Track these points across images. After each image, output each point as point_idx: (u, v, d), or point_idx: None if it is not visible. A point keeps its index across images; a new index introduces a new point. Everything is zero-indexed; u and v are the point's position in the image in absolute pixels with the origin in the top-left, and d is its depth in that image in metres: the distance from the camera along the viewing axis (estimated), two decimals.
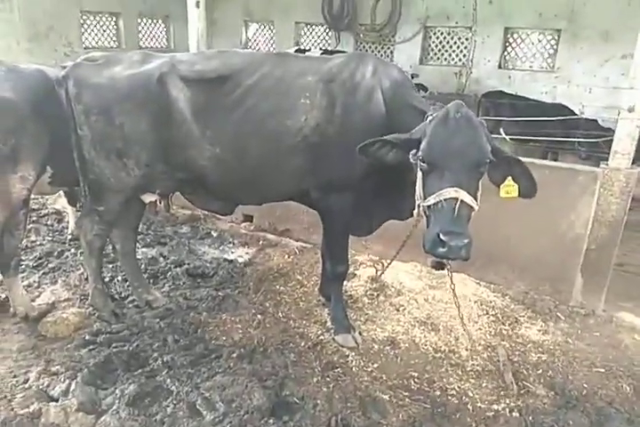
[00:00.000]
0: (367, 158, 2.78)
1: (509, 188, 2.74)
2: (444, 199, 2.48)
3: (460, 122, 2.53)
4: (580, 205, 3.95)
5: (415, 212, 2.81)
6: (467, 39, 9.36)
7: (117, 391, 2.90)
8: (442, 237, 2.44)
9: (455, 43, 9.61)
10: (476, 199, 2.56)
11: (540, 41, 8.91)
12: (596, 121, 7.40)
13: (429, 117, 2.65)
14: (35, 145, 3.32)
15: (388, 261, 4.29)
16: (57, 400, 2.83)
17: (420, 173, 2.66)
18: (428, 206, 2.58)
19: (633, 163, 3.84)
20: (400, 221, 3.47)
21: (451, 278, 3.35)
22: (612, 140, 3.97)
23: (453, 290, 3.39)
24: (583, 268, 3.99)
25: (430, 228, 2.58)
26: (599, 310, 3.97)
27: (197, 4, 5.90)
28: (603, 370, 3.29)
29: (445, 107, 2.61)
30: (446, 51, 9.75)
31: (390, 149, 2.75)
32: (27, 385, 2.94)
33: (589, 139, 6.25)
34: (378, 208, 3.37)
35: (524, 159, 4.19)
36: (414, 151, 2.67)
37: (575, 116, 6.94)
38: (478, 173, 2.57)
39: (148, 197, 3.61)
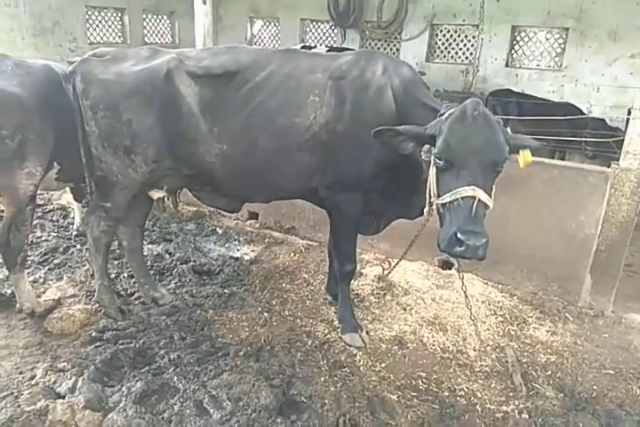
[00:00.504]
0: (382, 144, 2.75)
1: (526, 156, 2.69)
2: (461, 198, 2.45)
3: (477, 120, 2.50)
4: (589, 205, 3.92)
5: (426, 210, 2.79)
6: (473, 37, 9.31)
7: (124, 389, 2.89)
8: (459, 236, 2.41)
9: (462, 41, 9.56)
10: (490, 197, 2.53)
11: (547, 39, 8.86)
12: (603, 120, 7.36)
13: (445, 114, 2.61)
14: (42, 141, 3.31)
15: (396, 259, 4.28)
16: (64, 397, 2.81)
17: (433, 170, 2.63)
18: (443, 204, 2.55)
19: None
20: (406, 220, 3.45)
21: (462, 279, 3.32)
22: (621, 140, 3.94)
23: (465, 291, 3.37)
24: (592, 268, 3.96)
25: (446, 226, 2.54)
26: (608, 310, 3.94)
27: (204, 1, 5.88)
28: (612, 372, 3.27)
29: (462, 104, 2.58)
30: (453, 49, 9.70)
31: (402, 140, 2.72)
32: (33, 382, 2.93)
33: (596, 138, 6.21)
34: (387, 207, 3.34)
35: (533, 158, 4.18)
36: (426, 147, 2.65)
37: (583, 116, 6.90)
38: (495, 171, 2.55)
39: (156, 194, 3.59)
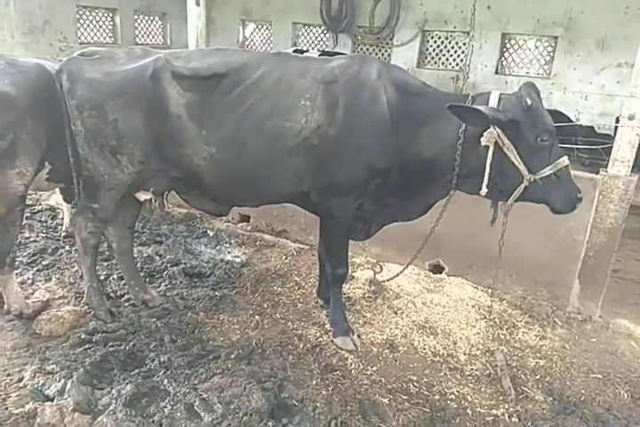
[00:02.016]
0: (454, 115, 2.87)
1: None
2: (563, 167, 2.93)
3: None
4: (578, 211, 3.94)
5: (484, 190, 2.99)
6: (464, 44, 9.43)
7: (114, 391, 2.86)
8: (579, 195, 3.02)
9: (453, 47, 9.66)
10: None
11: (537, 47, 8.99)
12: (592, 128, 7.47)
13: (527, 100, 2.81)
14: (33, 140, 3.28)
15: (386, 263, 4.31)
16: (52, 400, 2.78)
17: (513, 151, 2.87)
18: (542, 178, 2.91)
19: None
20: (396, 224, 3.48)
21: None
22: (610, 148, 4.00)
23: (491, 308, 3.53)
24: (581, 274, 4.01)
25: (558, 192, 2.99)
26: (596, 315, 3.99)
27: (197, 3, 5.87)
28: (600, 376, 3.31)
29: (528, 88, 2.91)
30: (444, 55, 9.80)
31: (477, 119, 2.82)
32: (21, 384, 2.89)
33: (586, 145, 6.30)
34: (381, 212, 3.36)
35: None
36: (495, 132, 2.81)
37: (573, 123, 7.00)
38: None
39: (143, 196, 3.54)
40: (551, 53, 8.79)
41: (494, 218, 3.17)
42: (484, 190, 2.99)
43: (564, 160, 2.93)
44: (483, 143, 2.85)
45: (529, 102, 2.80)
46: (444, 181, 3.10)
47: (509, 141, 2.85)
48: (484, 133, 2.83)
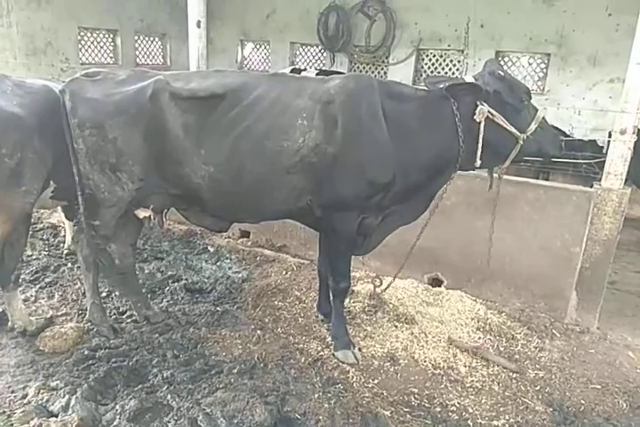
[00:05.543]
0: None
1: None
2: (542, 118, 3.29)
3: None
4: (574, 224, 4.03)
5: (479, 160, 3.24)
6: (459, 61, 9.57)
7: (118, 407, 2.88)
8: (561, 137, 3.45)
9: (447, 65, 9.82)
10: None
11: (530, 64, 9.14)
12: (595, 141, 7.56)
13: (496, 73, 3.19)
14: (40, 160, 3.34)
15: (386, 277, 4.35)
16: (57, 416, 2.80)
17: (502, 119, 3.15)
18: (531, 133, 3.22)
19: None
20: (396, 238, 3.56)
21: None
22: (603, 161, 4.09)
23: None
24: (578, 286, 4.06)
25: (548, 140, 3.35)
26: (593, 327, 4.03)
27: (198, 24, 6.00)
28: (599, 387, 3.34)
29: (492, 64, 3.33)
30: (439, 72, 9.92)
31: (471, 97, 3.13)
32: (25, 400, 2.92)
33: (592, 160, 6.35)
34: (384, 223, 3.43)
35: (518, 179, 4.35)
36: (484, 109, 3.10)
37: (575, 138, 7.10)
38: None
39: (142, 213, 3.57)
40: (544, 70, 8.93)
41: (491, 184, 3.48)
42: (477, 162, 3.23)
43: (540, 112, 3.31)
44: (477, 120, 3.11)
45: (502, 73, 3.19)
46: (449, 171, 3.34)
47: (497, 112, 3.15)
48: (476, 111, 3.11)
